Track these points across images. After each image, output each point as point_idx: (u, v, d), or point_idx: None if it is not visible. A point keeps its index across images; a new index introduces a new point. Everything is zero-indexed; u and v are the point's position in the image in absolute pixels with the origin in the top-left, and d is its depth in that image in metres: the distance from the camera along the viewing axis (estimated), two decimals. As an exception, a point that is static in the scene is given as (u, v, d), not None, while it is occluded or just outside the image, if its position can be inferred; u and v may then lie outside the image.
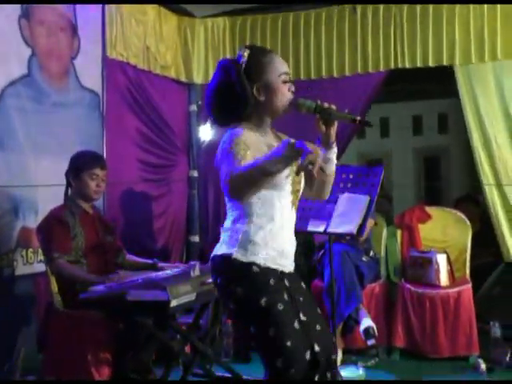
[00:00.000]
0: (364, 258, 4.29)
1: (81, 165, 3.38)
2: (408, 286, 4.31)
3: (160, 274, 3.08)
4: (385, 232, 4.68)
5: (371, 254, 4.40)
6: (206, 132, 5.44)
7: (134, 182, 4.81)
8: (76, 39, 4.17)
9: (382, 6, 4.78)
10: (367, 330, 3.97)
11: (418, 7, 4.68)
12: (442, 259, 4.34)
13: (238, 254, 2.09)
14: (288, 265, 2.19)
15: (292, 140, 1.93)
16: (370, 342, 3.99)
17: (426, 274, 4.32)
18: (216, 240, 5.75)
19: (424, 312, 4.20)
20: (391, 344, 4.28)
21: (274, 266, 2.12)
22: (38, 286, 3.63)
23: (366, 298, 4.23)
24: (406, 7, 4.71)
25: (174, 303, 2.71)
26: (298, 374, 2.01)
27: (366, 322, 4.00)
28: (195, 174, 5.47)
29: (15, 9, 3.68)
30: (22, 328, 3.66)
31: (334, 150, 2.22)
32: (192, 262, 3.04)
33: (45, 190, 3.79)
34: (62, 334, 3.16)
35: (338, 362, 3.88)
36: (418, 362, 4.16)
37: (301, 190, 2.24)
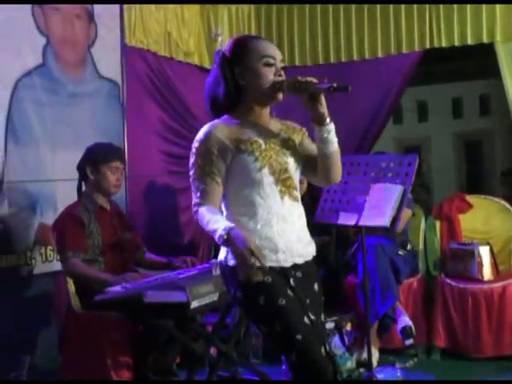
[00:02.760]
0: (400, 252, 4.18)
1: (100, 157, 3.32)
2: (448, 281, 4.18)
3: (180, 273, 3.00)
4: (423, 223, 4.55)
5: (408, 247, 4.28)
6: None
7: (157, 174, 4.75)
8: (93, 26, 4.11)
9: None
10: (405, 329, 3.88)
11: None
12: (484, 251, 4.21)
13: (227, 259, 2.10)
14: (287, 259, 2.13)
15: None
16: (408, 341, 3.90)
17: (468, 268, 4.19)
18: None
19: (466, 309, 4.08)
20: (431, 343, 4.16)
21: (267, 264, 2.05)
22: (57, 285, 3.58)
23: (402, 295, 4.12)
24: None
25: (194, 304, 2.63)
26: (316, 367, 2.01)
27: (404, 321, 3.90)
28: (222, 164, 5.37)
29: (28, -4, 3.64)
30: (42, 329, 3.64)
31: (328, 127, 2.15)
32: (213, 260, 2.94)
33: (63, 184, 3.75)
34: (80, 336, 3.14)
35: (374, 363, 3.80)
36: (460, 362, 4.04)
37: (293, 177, 2.19)
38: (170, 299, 2.64)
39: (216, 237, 2.00)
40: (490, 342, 4.01)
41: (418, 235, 4.53)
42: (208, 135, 2.11)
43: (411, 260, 4.27)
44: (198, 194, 2.10)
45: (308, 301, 2.13)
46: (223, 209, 2.16)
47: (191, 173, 2.14)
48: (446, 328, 4.12)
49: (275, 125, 2.25)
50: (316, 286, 2.21)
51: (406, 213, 4.02)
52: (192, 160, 2.14)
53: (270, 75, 2.14)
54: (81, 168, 3.35)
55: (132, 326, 3.03)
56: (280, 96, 2.16)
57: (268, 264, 2.04)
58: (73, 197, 3.39)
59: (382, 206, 3.25)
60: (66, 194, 3.62)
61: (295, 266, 2.14)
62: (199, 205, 2.10)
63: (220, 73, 2.16)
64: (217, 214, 2.08)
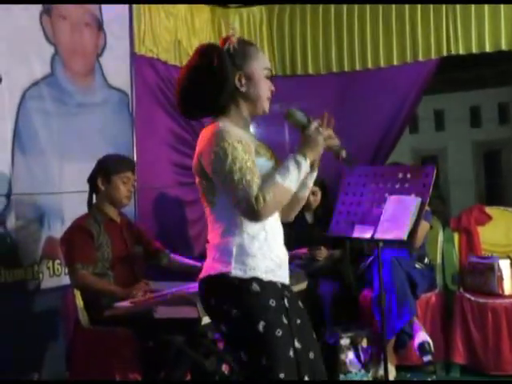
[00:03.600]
0: (417, 265, 4.15)
1: (112, 167, 3.33)
2: (467, 295, 4.15)
3: (191, 287, 2.98)
4: (441, 236, 4.52)
5: (426, 260, 4.26)
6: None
7: (167, 186, 4.76)
8: (102, 35, 4.13)
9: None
10: (422, 345, 3.83)
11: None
12: (505, 265, 4.17)
13: (236, 271, 1.99)
14: (286, 276, 2.11)
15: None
16: (426, 358, 3.85)
17: (488, 282, 4.15)
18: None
19: (486, 324, 4.04)
20: (450, 360, 4.12)
21: (274, 279, 2.03)
22: (65, 300, 3.57)
23: (420, 310, 4.09)
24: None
25: (205, 320, 2.61)
26: None
27: (421, 337, 3.86)
28: (233, 175, 5.36)
29: (36, 4, 3.66)
30: (49, 344, 3.64)
31: (313, 174, 2.15)
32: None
33: (71, 197, 3.76)
34: (88, 352, 3.12)
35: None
36: (480, 379, 3.99)
37: None
38: (181, 315, 2.63)
39: (304, 167, 1.99)
40: (510, 359, 3.96)
41: (435, 248, 4.49)
42: (225, 132, 1.98)
43: (429, 274, 4.24)
44: (253, 187, 1.91)
45: (299, 321, 2.07)
46: (227, 216, 2.03)
47: (228, 176, 1.94)
48: (465, 344, 4.08)
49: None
50: (300, 304, 2.16)
51: (424, 226, 4.00)
52: (221, 164, 1.95)
53: (267, 89, 2.13)
54: (92, 179, 3.36)
55: (141, 341, 3.01)
56: (268, 108, 2.15)
57: (274, 279, 2.02)
58: (81, 209, 3.39)
59: (398, 218, 3.22)
60: (73, 206, 3.62)
61: (287, 285, 2.11)
62: (260, 191, 1.92)
63: (221, 72, 2.04)
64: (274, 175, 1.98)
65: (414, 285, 4.01)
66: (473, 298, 4.11)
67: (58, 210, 3.72)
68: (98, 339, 3.09)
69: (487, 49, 4.52)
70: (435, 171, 3.31)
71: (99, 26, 4.10)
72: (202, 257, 4.88)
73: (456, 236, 4.52)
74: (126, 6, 4.31)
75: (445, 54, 4.65)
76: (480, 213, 4.54)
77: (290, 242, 4.51)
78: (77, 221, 3.28)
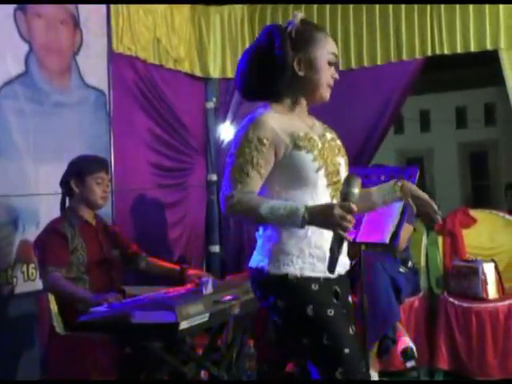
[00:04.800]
0: (401, 269, 4.19)
1: (84, 168, 3.33)
2: (451, 299, 4.20)
3: (168, 292, 3.00)
4: (425, 239, 4.57)
5: (409, 264, 4.29)
6: (225, 131, 5.35)
7: (146, 188, 4.76)
8: (78, 33, 4.11)
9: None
10: (406, 351, 3.87)
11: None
12: (489, 269, 4.22)
13: (270, 266, 2.04)
14: (333, 270, 2.01)
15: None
16: (410, 363, 3.90)
17: (472, 286, 4.21)
18: (239, 250, 5.65)
19: (470, 329, 4.09)
20: (434, 365, 4.18)
21: (314, 275, 2.03)
22: (40, 305, 3.56)
23: (403, 314, 4.12)
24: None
25: (183, 325, 2.62)
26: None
27: (405, 342, 3.90)
28: (214, 177, 5.39)
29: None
30: (24, 351, 3.63)
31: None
32: (204, 279, 2.95)
33: (46, 199, 3.74)
34: (63, 359, 3.12)
35: (374, 387, 3.78)
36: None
37: (341, 181, 2.08)
38: (158, 320, 2.63)
39: (293, 219, 1.90)
40: (495, 364, 4.02)
41: (419, 251, 4.54)
42: (261, 123, 2.01)
43: (413, 278, 4.28)
44: (238, 185, 1.98)
45: (344, 311, 2.10)
46: None
47: (231, 160, 2.02)
48: (449, 349, 4.13)
49: (316, 122, 2.21)
50: (350, 299, 2.20)
51: (407, 228, 4.02)
52: (236, 146, 2.02)
53: (328, 76, 2.12)
54: (64, 182, 3.36)
55: (118, 347, 3.01)
56: (328, 96, 2.15)
57: (316, 274, 2.02)
58: (56, 212, 3.39)
59: (381, 221, 3.25)
60: (49, 209, 3.62)
61: (337, 278, 2.09)
62: (239, 193, 1.97)
63: (281, 54, 2.05)
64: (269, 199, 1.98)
65: (398, 289, 4.04)
66: (457, 302, 4.16)
67: (32, 212, 3.70)
68: (73, 345, 3.08)
69: (472, 49, 4.55)
70: (419, 172, 3.35)
71: (76, 23, 4.09)
72: (181, 260, 4.93)
73: (440, 239, 4.57)
74: (104, 3, 4.31)
75: (429, 53, 4.67)
76: (465, 215, 4.59)
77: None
78: (51, 224, 3.28)
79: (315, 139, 2.08)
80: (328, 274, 2.00)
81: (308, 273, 2.02)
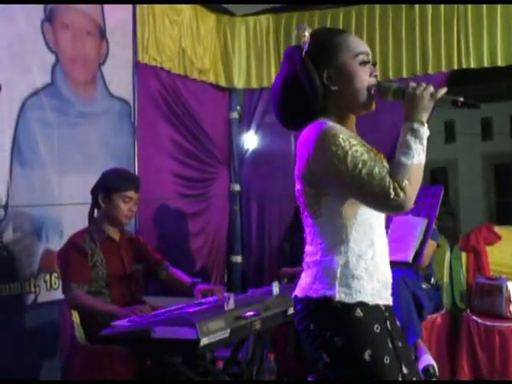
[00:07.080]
0: (424, 286, 4.16)
1: (113, 185, 3.31)
2: (474, 317, 4.16)
3: (191, 306, 3.00)
4: (448, 255, 4.52)
5: (432, 280, 4.25)
6: (249, 141, 5.36)
7: (169, 198, 4.78)
8: (104, 43, 4.15)
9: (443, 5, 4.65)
10: (427, 369, 3.85)
11: (484, 6, 4.53)
12: (513, 287, 4.17)
13: (341, 295, 1.84)
14: (390, 296, 1.95)
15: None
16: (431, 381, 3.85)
17: (495, 304, 4.17)
18: (260, 260, 5.63)
19: (493, 347, 4.05)
20: (455, 383, 4.13)
21: (381, 302, 1.88)
22: (62, 314, 3.58)
23: (425, 332, 4.10)
24: (470, 6, 4.57)
25: (204, 342, 2.61)
26: None
27: (426, 360, 3.88)
28: (237, 187, 5.41)
29: (38, 11, 3.67)
30: (45, 360, 3.65)
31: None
32: (226, 294, 2.94)
33: (69, 209, 3.78)
34: (83, 370, 3.14)
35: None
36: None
37: None
38: (179, 336, 2.63)
39: (422, 132, 1.84)
40: (517, 384, 3.98)
41: (442, 267, 4.51)
42: (334, 129, 1.84)
43: (435, 294, 4.25)
44: (386, 177, 1.76)
45: (400, 344, 1.90)
46: (333, 230, 1.88)
47: (350, 178, 1.79)
48: (471, 368, 4.09)
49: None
50: (398, 323, 2.01)
51: (431, 245, 4.00)
52: (345, 160, 1.79)
53: (366, 77, 1.94)
54: (94, 193, 3.36)
55: (138, 361, 3.02)
56: (374, 105, 1.97)
57: (380, 302, 1.88)
58: (80, 222, 3.41)
59: (404, 239, 3.24)
60: (72, 218, 3.65)
61: (388, 305, 1.95)
62: (393, 179, 1.76)
63: (304, 76, 1.90)
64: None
65: (420, 306, 4.01)
66: (480, 321, 4.12)
67: (56, 222, 3.73)
68: (94, 356, 3.11)
69: (499, 63, 4.53)
70: (443, 191, 3.34)
71: (102, 34, 4.12)
72: (203, 271, 4.94)
73: (464, 255, 4.53)
74: (130, 14, 4.33)
75: (455, 67, 4.65)
76: (489, 232, 4.55)
77: (285, 258, 4.48)
78: (72, 237, 3.29)
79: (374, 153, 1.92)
80: (388, 302, 1.90)
81: (377, 300, 1.88)
